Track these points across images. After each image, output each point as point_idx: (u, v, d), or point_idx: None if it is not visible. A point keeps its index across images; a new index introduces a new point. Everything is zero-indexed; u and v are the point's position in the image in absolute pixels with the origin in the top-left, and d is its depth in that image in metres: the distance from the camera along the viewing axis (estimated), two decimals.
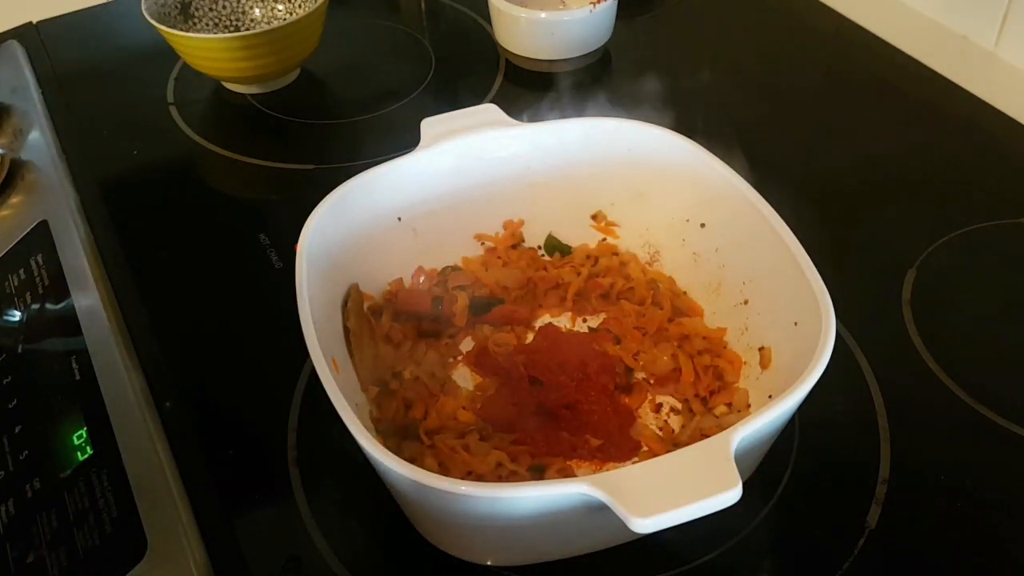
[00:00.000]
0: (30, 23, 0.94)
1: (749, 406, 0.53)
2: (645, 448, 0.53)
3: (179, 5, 0.84)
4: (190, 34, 0.78)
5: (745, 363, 0.55)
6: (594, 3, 0.83)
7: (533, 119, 0.61)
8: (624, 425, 0.54)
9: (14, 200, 0.71)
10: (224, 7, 0.87)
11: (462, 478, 0.49)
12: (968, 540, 0.50)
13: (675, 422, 0.54)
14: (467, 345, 0.59)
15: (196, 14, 0.85)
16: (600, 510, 0.38)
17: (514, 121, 0.60)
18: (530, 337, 0.59)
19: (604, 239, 0.64)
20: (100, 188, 0.73)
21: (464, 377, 0.57)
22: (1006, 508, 0.51)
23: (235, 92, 0.85)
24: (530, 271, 0.62)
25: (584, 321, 0.60)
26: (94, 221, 0.70)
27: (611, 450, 0.53)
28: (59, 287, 0.63)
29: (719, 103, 0.82)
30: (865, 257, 0.67)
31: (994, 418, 0.55)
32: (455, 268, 0.62)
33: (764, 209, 0.53)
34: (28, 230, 0.68)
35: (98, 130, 0.81)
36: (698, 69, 0.86)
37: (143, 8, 0.79)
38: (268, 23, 0.87)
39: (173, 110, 0.83)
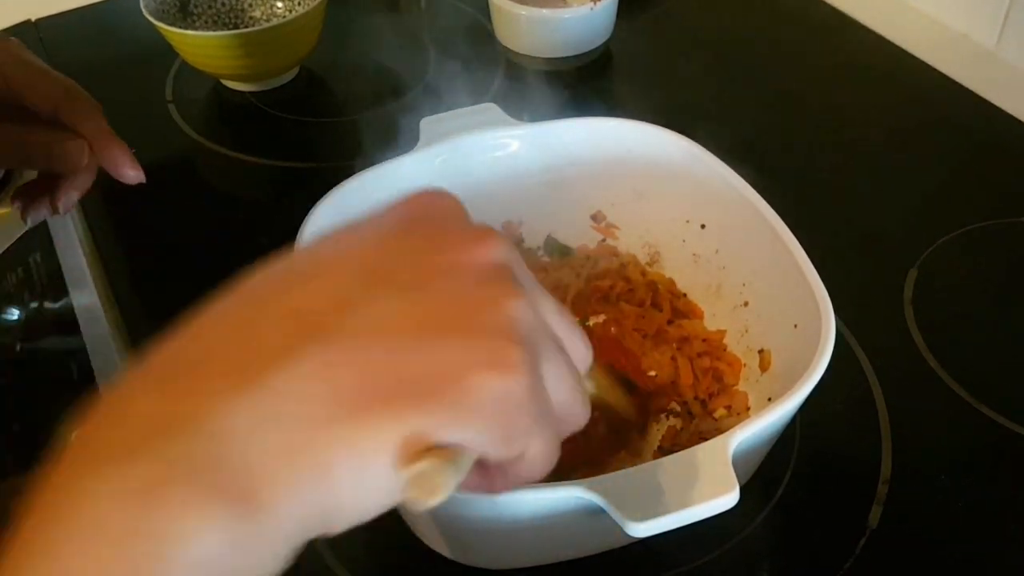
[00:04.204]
0: (28, 21, 0.94)
1: (748, 409, 0.53)
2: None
3: (178, 3, 0.84)
4: (189, 32, 0.78)
5: (745, 365, 0.55)
6: (595, 1, 0.83)
7: (533, 118, 0.61)
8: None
9: None
10: (223, 4, 0.86)
11: None
12: (968, 540, 0.50)
13: (674, 425, 0.54)
14: None
15: (195, 11, 0.85)
16: (598, 513, 0.38)
17: (514, 121, 0.60)
18: None
19: (604, 240, 0.64)
20: (98, 186, 0.72)
21: None
22: (1006, 508, 0.51)
23: (234, 90, 0.85)
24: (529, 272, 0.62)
25: (584, 323, 0.60)
26: (92, 220, 0.69)
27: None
28: (57, 286, 0.63)
29: (720, 102, 0.82)
30: (867, 256, 0.66)
31: (995, 417, 0.55)
32: None
33: (764, 210, 0.52)
34: (26, 229, 0.67)
35: None
36: (699, 68, 0.86)
37: (142, 6, 0.78)
38: (267, 20, 0.87)
39: (172, 108, 0.83)
